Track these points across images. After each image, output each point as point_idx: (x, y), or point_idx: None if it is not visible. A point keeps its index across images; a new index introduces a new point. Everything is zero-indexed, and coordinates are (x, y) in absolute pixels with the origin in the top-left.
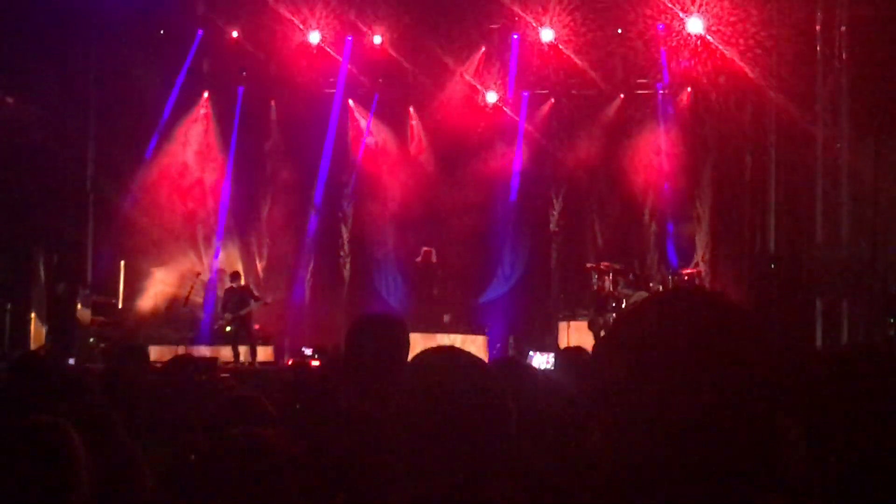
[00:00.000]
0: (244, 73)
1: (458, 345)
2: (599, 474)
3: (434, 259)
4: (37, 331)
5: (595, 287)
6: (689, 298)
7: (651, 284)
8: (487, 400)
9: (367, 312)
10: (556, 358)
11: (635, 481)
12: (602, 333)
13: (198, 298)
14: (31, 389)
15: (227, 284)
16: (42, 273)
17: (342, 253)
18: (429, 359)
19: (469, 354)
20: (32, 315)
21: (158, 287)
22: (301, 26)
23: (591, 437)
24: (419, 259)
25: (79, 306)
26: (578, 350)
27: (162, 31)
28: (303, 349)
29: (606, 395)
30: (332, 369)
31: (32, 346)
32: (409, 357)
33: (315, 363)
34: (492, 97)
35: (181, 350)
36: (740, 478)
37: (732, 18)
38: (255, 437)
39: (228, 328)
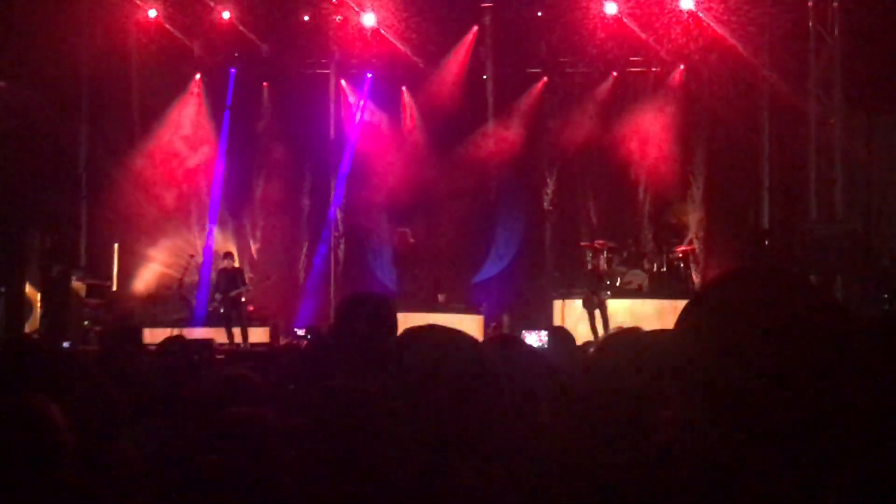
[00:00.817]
0: (236, 55)
1: (453, 324)
2: (672, 468)
3: (411, 240)
4: (31, 314)
5: (590, 265)
6: (772, 277)
7: (645, 262)
8: (480, 377)
9: (355, 291)
10: (549, 336)
11: (727, 479)
12: (596, 311)
13: (192, 280)
14: (23, 371)
15: (221, 265)
16: (36, 256)
17: (336, 233)
18: (420, 336)
19: (461, 332)
20: (26, 298)
21: (152, 269)
22: (293, 6)
23: (663, 429)
24: (395, 242)
25: (73, 289)
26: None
27: (153, 13)
28: (295, 329)
29: (688, 380)
30: (322, 348)
31: (27, 329)
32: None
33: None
34: (484, 76)
35: (175, 333)
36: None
37: None
38: (251, 417)
39: (221, 310)
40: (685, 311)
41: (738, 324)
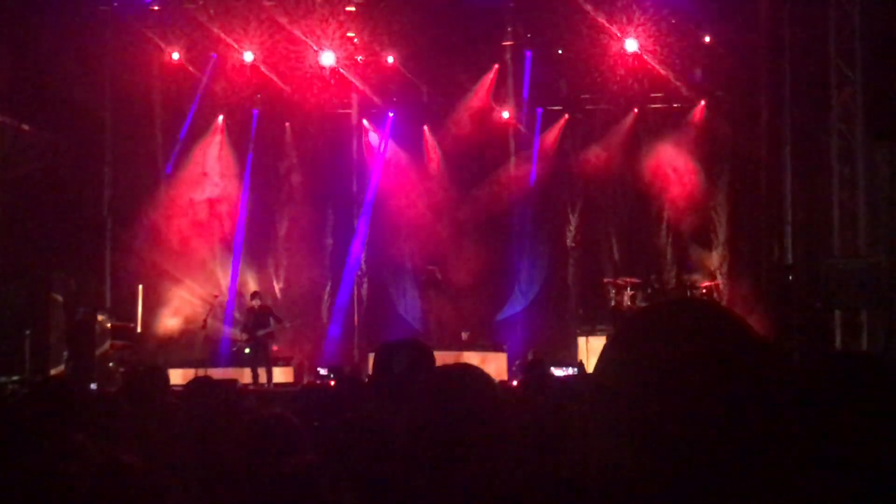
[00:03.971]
0: (258, 96)
1: (477, 362)
2: (589, 479)
3: (438, 277)
4: (56, 356)
5: (613, 302)
6: (695, 308)
7: (668, 298)
8: (493, 416)
9: (389, 336)
10: (578, 369)
11: (627, 488)
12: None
13: (216, 321)
14: (52, 414)
15: (248, 304)
16: (61, 298)
17: (359, 272)
18: (445, 375)
19: (481, 372)
20: (52, 340)
21: (177, 310)
22: (315, 48)
23: (585, 442)
24: (423, 278)
25: (98, 330)
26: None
27: (176, 55)
28: (318, 369)
29: (606, 401)
30: (349, 388)
31: (52, 371)
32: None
33: (331, 383)
34: (506, 114)
35: (200, 373)
36: (736, 484)
37: (746, 32)
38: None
39: (247, 350)
40: (606, 345)
41: (658, 356)
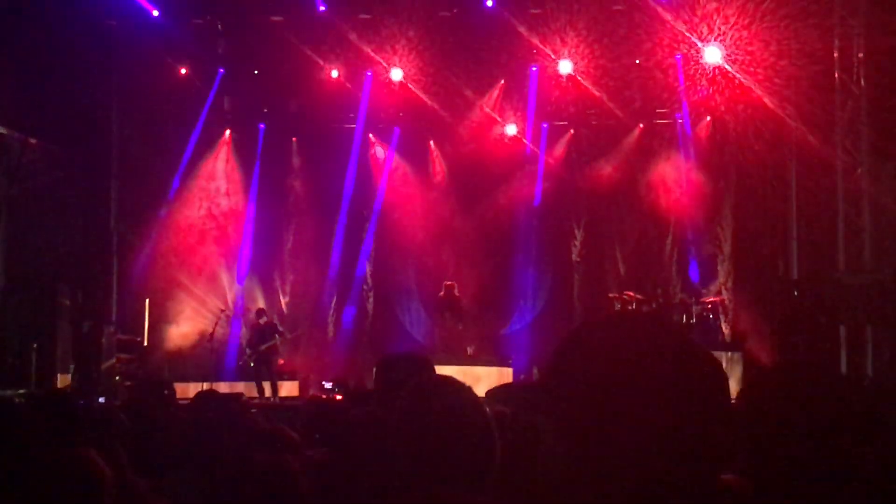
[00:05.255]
0: (265, 111)
1: (482, 376)
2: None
3: (457, 293)
4: (63, 369)
5: None
6: (633, 320)
7: (674, 313)
8: (476, 430)
9: (394, 350)
10: None
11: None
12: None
13: (222, 335)
14: (57, 426)
15: (253, 321)
16: (67, 311)
17: (365, 286)
18: (426, 387)
19: (464, 386)
20: (58, 353)
21: (183, 324)
22: (321, 62)
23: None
24: (442, 294)
25: (104, 344)
26: None
27: (183, 71)
28: (323, 383)
29: (556, 410)
30: (354, 402)
31: (58, 385)
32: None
33: (338, 397)
34: (511, 129)
35: (206, 386)
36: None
37: (750, 48)
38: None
39: (252, 364)
40: (553, 358)
41: (605, 368)
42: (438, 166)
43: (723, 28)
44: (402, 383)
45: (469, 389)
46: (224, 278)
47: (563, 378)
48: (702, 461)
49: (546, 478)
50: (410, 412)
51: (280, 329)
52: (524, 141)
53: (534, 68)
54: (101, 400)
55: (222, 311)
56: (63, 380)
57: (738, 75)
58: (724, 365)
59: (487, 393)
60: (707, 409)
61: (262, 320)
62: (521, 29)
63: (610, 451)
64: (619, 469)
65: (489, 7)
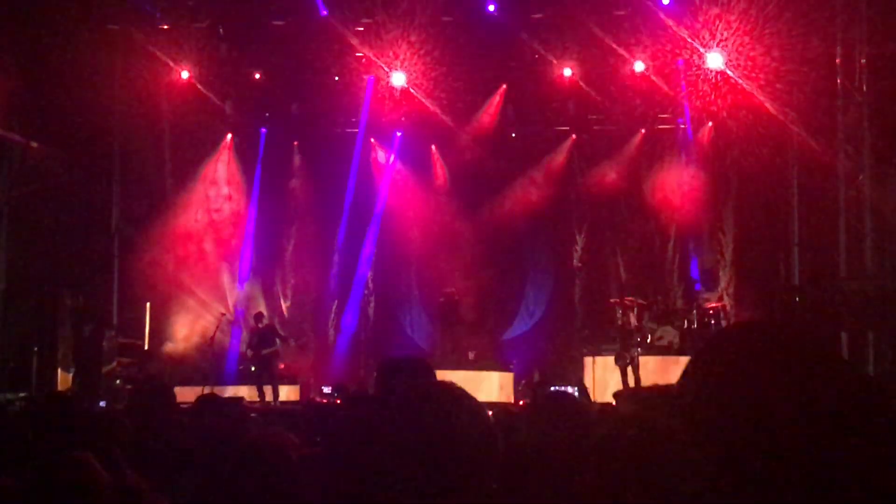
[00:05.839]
0: (267, 115)
1: (484, 381)
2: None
3: (456, 299)
4: (63, 373)
5: (619, 322)
6: (771, 330)
7: (676, 319)
8: (473, 438)
9: (395, 355)
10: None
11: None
12: (629, 369)
13: (223, 339)
14: (58, 429)
15: (252, 325)
16: (68, 315)
17: (366, 291)
18: (421, 393)
19: (460, 391)
20: (59, 357)
21: (184, 328)
22: (323, 67)
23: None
24: (442, 299)
25: (105, 348)
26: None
27: (185, 74)
28: (322, 388)
29: (694, 412)
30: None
31: (59, 388)
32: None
33: (338, 402)
34: (513, 134)
35: (207, 391)
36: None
37: (752, 53)
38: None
39: (253, 368)
40: (692, 363)
41: (745, 378)
42: (440, 170)
43: (725, 34)
44: (401, 387)
45: (468, 396)
46: (225, 282)
47: (702, 384)
48: (845, 472)
49: (680, 484)
50: (404, 418)
51: (281, 334)
52: (526, 146)
53: (535, 73)
54: (103, 404)
55: (223, 314)
56: (64, 383)
57: (740, 81)
58: None
59: (615, 394)
60: (848, 422)
61: (261, 324)
62: (523, 34)
63: (752, 459)
64: (761, 476)
65: (491, 12)
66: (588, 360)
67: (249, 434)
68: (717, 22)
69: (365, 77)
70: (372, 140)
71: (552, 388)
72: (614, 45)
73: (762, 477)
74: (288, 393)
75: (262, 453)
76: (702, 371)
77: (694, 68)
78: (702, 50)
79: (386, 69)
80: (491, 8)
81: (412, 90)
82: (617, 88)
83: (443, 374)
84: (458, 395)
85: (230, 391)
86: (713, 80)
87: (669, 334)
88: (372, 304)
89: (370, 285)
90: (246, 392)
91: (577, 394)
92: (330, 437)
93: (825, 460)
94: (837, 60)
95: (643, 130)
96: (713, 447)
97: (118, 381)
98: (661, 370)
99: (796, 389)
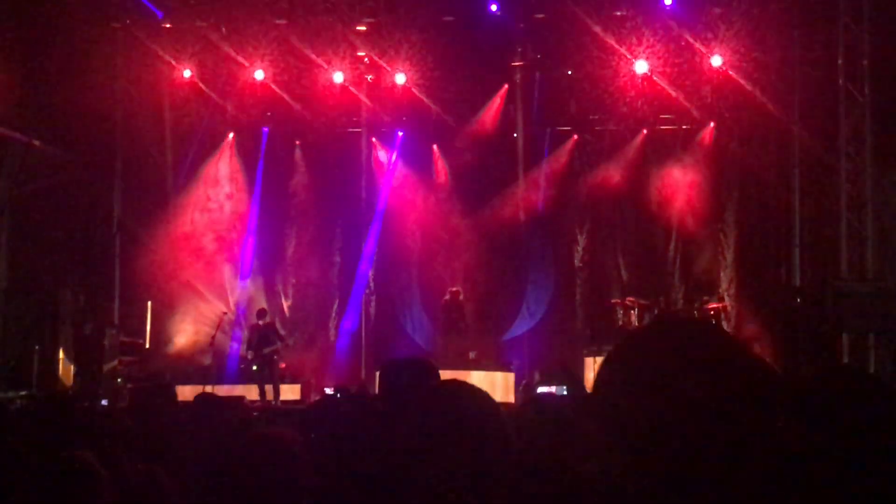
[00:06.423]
0: (269, 114)
1: (484, 381)
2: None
3: (461, 298)
4: (65, 371)
5: (620, 322)
6: (688, 327)
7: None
8: (489, 434)
9: (396, 354)
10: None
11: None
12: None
13: (224, 338)
14: (59, 428)
15: (253, 321)
16: (70, 314)
17: (367, 291)
18: (440, 391)
19: (478, 389)
20: (60, 356)
21: (185, 327)
22: (325, 66)
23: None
24: (446, 298)
25: (106, 346)
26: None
27: (187, 73)
28: (325, 389)
29: (604, 412)
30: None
31: (60, 387)
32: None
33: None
34: (515, 134)
35: (208, 389)
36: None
37: (754, 54)
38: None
39: (254, 367)
40: (603, 364)
41: (654, 377)
42: (442, 170)
43: (727, 34)
44: (405, 388)
45: (485, 394)
46: (226, 281)
47: (611, 386)
48: (751, 465)
49: (598, 488)
50: (425, 415)
51: (281, 333)
52: (527, 146)
53: (537, 74)
54: (104, 402)
55: (224, 313)
56: (65, 382)
57: (742, 81)
58: None
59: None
60: (755, 413)
61: (263, 321)
62: (525, 34)
63: (662, 459)
64: (670, 475)
65: (493, 12)
66: (589, 360)
67: (251, 431)
68: (719, 22)
69: (367, 76)
70: (373, 139)
71: (539, 390)
72: (616, 45)
73: (672, 475)
74: (288, 392)
75: (264, 450)
76: (610, 373)
77: (696, 69)
78: (703, 50)
79: (388, 68)
80: (493, 8)
81: (414, 90)
82: (618, 88)
83: (443, 374)
84: (476, 394)
85: (231, 390)
86: (715, 81)
87: None
88: (373, 304)
89: (371, 285)
90: (246, 391)
91: (565, 392)
92: (334, 435)
93: (733, 455)
94: (840, 62)
95: (645, 131)
96: (625, 447)
97: (119, 380)
98: None
99: (705, 385)
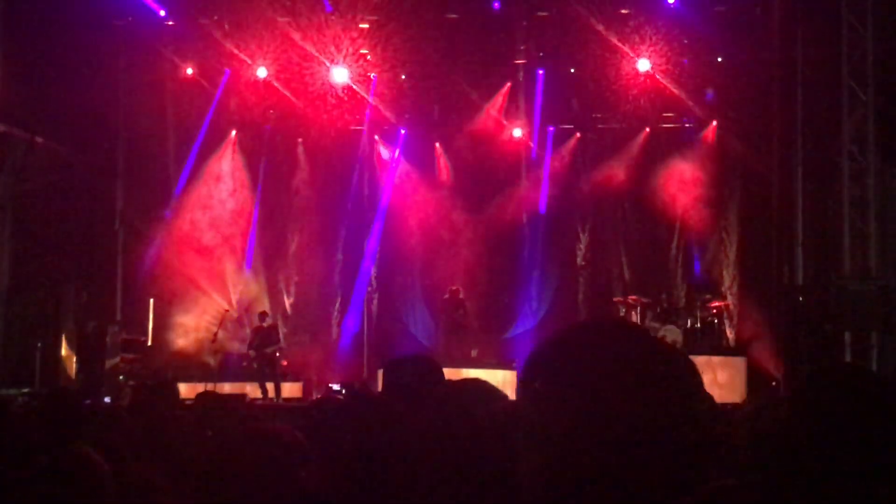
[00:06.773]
0: (271, 112)
1: (487, 378)
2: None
3: (461, 296)
4: (67, 368)
5: None
6: (610, 329)
7: (679, 318)
8: (505, 430)
9: (397, 352)
10: None
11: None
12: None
13: (226, 335)
14: (61, 425)
15: (256, 323)
16: (72, 311)
17: (369, 288)
18: (457, 389)
19: (492, 386)
20: (63, 353)
21: (187, 324)
22: (328, 64)
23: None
24: (446, 297)
25: (108, 344)
26: None
27: (189, 70)
28: (330, 385)
29: (532, 412)
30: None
31: (63, 384)
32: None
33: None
34: (517, 132)
35: (210, 387)
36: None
37: (758, 53)
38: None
39: (256, 365)
40: (524, 370)
41: (579, 370)
42: (444, 168)
43: (730, 33)
44: (408, 386)
45: (501, 392)
46: (228, 279)
47: (538, 391)
48: (677, 456)
49: (528, 483)
50: (443, 412)
51: (283, 332)
52: (530, 144)
53: (540, 71)
54: (107, 399)
55: (226, 311)
56: (67, 379)
57: (744, 80)
58: (727, 369)
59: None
60: (679, 405)
61: (266, 323)
62: (528, 32)
63: (586, 450)
64: (596, 468)
65: (495, 9)
66: None
67: (253, 427)
68: (722, 21)
69: (370, 74)
70: (376, 137)
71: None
72: (619, 44)
73: (601, 475)
74: (291, 390)
75: (262, 445)
76: (535, 377)
77: (697, 66)
78: (706, 48)
79: (390, 66)
80: (496, 5)
81: (417, 88)
82: (621, 86)
83: (446, 372)
84: (493, 392)
85: (233, 388)
86: (717, 79)
87: (673, 333)
88: (375, 302)
89: (373, 282)
90: (249, 389)
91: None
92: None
93: (663, 451)
94: (843, 60)
95: (648, 129)
96: (551, 452)
97: (122, 377)
98: None
99: (621, 380)
